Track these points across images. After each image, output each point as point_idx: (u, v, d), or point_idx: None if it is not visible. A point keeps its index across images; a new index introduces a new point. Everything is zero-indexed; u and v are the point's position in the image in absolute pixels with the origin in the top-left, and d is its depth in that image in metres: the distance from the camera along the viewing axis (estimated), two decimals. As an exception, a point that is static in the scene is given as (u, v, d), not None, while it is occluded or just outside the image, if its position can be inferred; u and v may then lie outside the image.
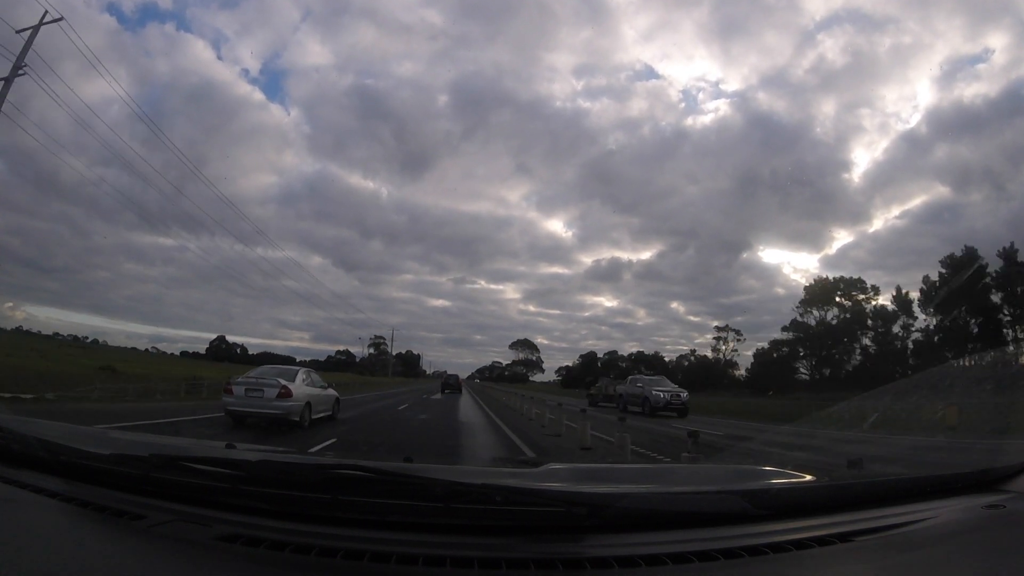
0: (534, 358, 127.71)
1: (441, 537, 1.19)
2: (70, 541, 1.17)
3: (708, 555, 1.12)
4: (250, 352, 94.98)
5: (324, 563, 1.09)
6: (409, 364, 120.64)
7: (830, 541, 1.21)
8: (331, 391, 13.71)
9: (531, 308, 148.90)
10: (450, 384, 43.42)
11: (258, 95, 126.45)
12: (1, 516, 1.29)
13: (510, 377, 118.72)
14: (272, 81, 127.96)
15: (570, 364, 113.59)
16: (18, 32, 18.15)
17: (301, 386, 11.65)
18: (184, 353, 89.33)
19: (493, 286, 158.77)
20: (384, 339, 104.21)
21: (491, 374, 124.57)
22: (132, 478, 1.41)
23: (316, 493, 1.27)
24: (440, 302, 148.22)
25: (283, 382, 11.11)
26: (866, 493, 1.58)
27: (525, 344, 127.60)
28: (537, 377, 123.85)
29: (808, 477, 1.75)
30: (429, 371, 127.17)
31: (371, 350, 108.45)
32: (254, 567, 1.09)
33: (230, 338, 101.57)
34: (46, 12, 18.57)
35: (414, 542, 1.16)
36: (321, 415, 12.44)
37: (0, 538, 1.16)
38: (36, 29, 18.14)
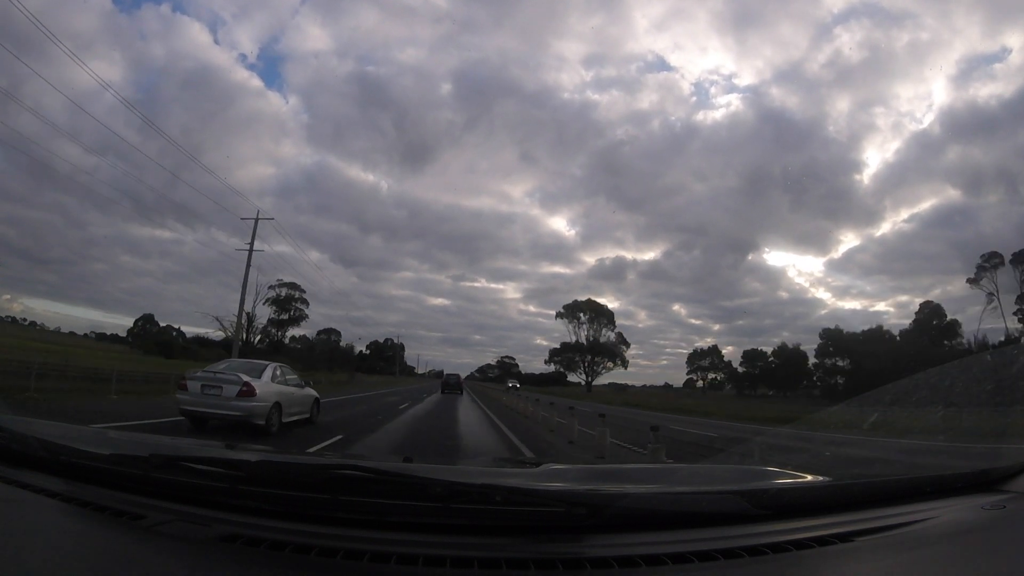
0: (609, 336, 71.83)
1: (441, 537, 1.19)
2: (70, 541, 1.17)
3: (708, 555, 1.12)
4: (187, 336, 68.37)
5: (324, 563, 1.09)
6: (384, 357, 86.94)
7: (830, 541, 1.21)
8: (309, 390, 12.27)
9: (531, 308, 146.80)
10: (450, 384, 43.27)
11: (256, 82, 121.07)
12: (1, 516, 1.30)
13: (553, 377, 75.93)
14: (270, 67, 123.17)
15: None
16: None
17: (269, 384, 10.22)
18: (101, 336, 71.26)
19: (493, 285, 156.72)
20: (299, 289, 58.53)
21: (498, 372, 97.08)
22: (132, 478, 1.41)
23: (316, 493, 1.27)
24: (439, 300, 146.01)
25: (246, 378, 9.68)
26: (866, 493, 1.58)
27: (590, 310, 71.47)
28: (615, 375, 73.19)
29: (808, 477, 1.76)
30: (423, 370, 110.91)
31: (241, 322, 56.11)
32: (254, 567, 1.09)
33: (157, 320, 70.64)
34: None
35: (414, 542, 1.16)
36: (295, 418, 11.04)
37: (0, 538, 1.16)
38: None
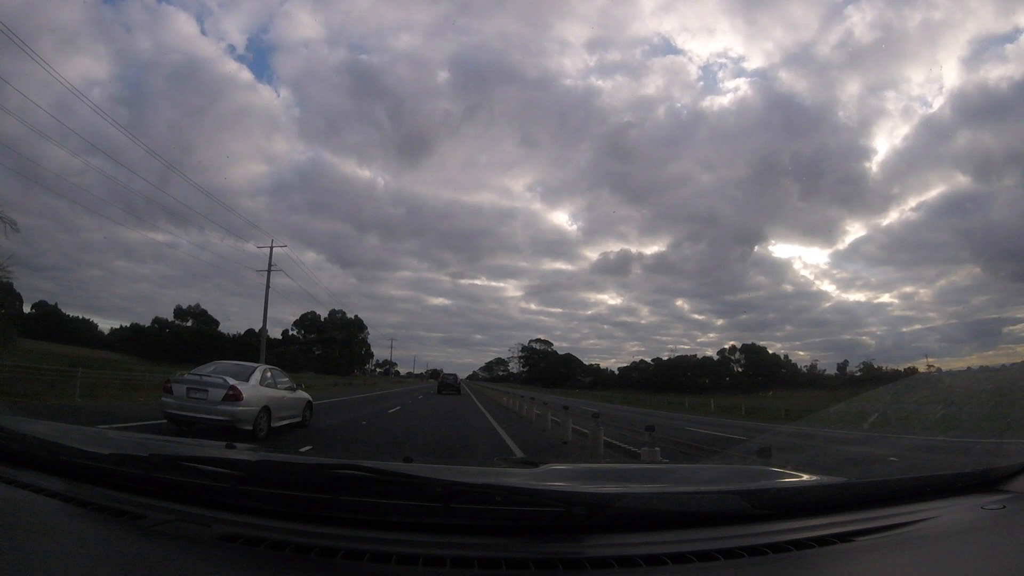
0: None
1: (441, 537, 1.19)
2: (70, 541, 1.17)
3: (708, 555, 1.13)
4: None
5: (324, 563, 1.09)
6: (345, 344, 56.64)
7: (830, 541, 1.21)
8: (301, 393, 11.83)
9: (532, 306, 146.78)
10: (448, 383, 43.12)
11: (245, 74, 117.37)
12: (1, 516, 1.30)
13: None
14: (259, 58, 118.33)
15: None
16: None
17: (256, 387, 9.85)
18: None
19: (494, 283, 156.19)
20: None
21: (524, 369, 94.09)
22: (132, 478, 1.41)
23: (316, 493, 1.27)
24: (439, 300, 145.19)
25: (232, 382, 9.31)
26: (866, 493, 1.58)
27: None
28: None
29: (808, 477, 1.76)
30: (419, 370, 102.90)
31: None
32: (254, 567, 1.09)
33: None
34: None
35: (414, 542, 1.16)
36: (286, 422, 10.64)
37: (0, 538, 1.16)
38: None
